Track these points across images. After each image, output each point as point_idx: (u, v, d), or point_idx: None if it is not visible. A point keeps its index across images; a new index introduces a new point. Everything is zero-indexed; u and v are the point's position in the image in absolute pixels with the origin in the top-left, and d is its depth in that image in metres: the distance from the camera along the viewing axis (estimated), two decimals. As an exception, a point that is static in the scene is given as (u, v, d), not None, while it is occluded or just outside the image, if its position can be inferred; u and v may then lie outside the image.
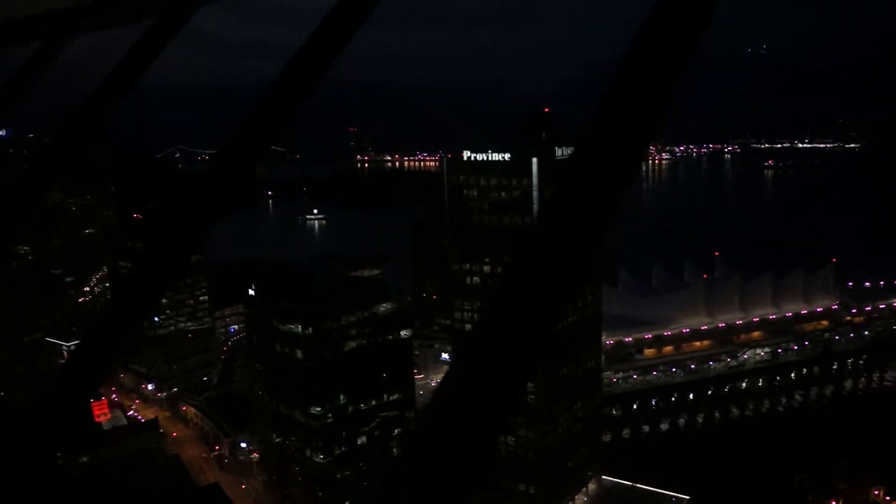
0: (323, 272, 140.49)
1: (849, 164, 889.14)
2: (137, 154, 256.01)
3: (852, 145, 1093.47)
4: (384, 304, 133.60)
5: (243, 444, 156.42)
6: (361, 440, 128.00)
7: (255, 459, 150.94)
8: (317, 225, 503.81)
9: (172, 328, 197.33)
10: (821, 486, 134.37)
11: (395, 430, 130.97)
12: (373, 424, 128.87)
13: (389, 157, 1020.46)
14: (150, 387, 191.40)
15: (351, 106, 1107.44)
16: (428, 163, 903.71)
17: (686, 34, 5.08)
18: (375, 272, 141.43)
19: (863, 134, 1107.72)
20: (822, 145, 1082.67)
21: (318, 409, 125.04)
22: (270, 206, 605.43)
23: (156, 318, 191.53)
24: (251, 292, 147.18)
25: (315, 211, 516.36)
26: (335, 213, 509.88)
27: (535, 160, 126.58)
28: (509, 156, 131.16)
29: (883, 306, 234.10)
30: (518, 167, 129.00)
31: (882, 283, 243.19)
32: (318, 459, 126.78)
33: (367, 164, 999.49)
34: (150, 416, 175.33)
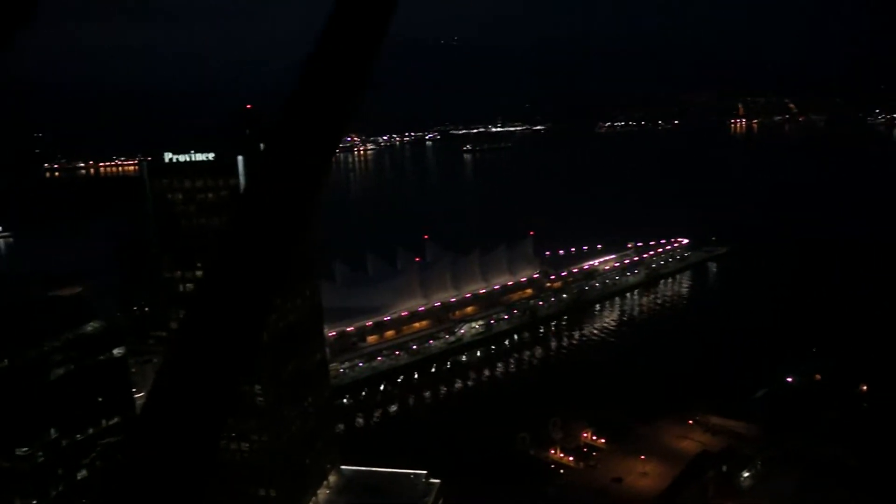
0: (13, 295, 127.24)
1: (536, 145, 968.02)
2: None
3: (539, 127, 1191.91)
4: (91, 324, 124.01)
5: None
6: (82, 474, 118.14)
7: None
8: (2, 243, 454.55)
9: None
10: (540, 440, 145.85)
11: (118, 458, 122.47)
12: (93, 455, 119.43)
13: (83, 164, 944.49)
14: None
15: (36, 110, 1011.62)
16: (127, 167, 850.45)
17: (370, 27, 5.18)
18: (77, 290, 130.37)
19: (547, 117, 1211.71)
20: (513, 129, 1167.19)
21: (26, 449, 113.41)
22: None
23: None
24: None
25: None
26: (23, 228, 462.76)
27: (240, 159, 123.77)
28: (213, 156, 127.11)
29: (576, 270, 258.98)
30: (224, 167, 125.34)
31: (573, 249, 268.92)
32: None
33: (57, 173, 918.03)
34: None
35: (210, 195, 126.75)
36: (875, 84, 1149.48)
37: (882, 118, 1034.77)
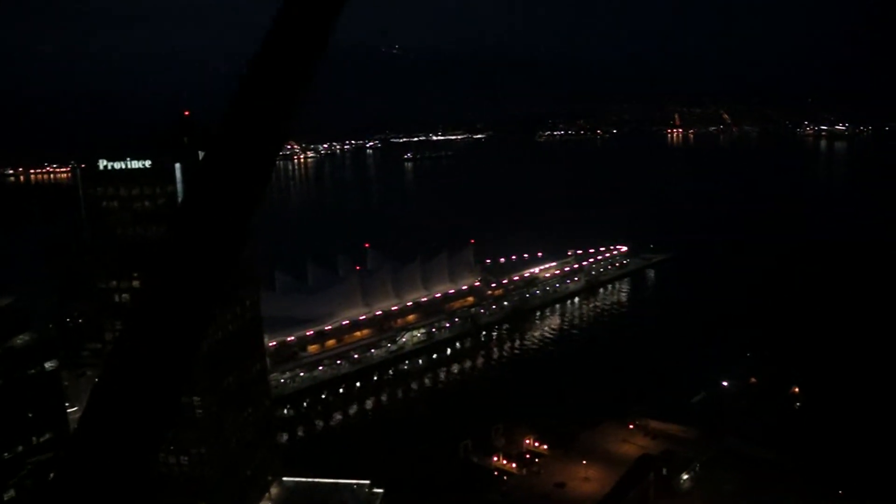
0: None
1: (477, 153, 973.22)
2: None
3: (479, 136, 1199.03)
4: (21, 336, 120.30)
5: None
6: (10, 494, 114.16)
7: None
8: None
9: None
10: (483, 447, 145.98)
11: (51, 475, 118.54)
12: (23, 473, 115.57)
13: (12, 171, 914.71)
14: None
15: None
16: (60, 174, 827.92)
17: (312, 36, 5.11)
18: (7, 301, 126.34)
19: (488, 126, 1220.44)
20: (453, 137, 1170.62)
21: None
22: None
23: None
24: None
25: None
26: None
27: (178, 166, 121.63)
28: (150, 163, 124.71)
29: (517, 278, 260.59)
30: (161, 174, 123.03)
31: (514, 257, 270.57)
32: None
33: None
34: None
35: (146, 203, 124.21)
36: (804, 98, 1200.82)
37: (810, 129, 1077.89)
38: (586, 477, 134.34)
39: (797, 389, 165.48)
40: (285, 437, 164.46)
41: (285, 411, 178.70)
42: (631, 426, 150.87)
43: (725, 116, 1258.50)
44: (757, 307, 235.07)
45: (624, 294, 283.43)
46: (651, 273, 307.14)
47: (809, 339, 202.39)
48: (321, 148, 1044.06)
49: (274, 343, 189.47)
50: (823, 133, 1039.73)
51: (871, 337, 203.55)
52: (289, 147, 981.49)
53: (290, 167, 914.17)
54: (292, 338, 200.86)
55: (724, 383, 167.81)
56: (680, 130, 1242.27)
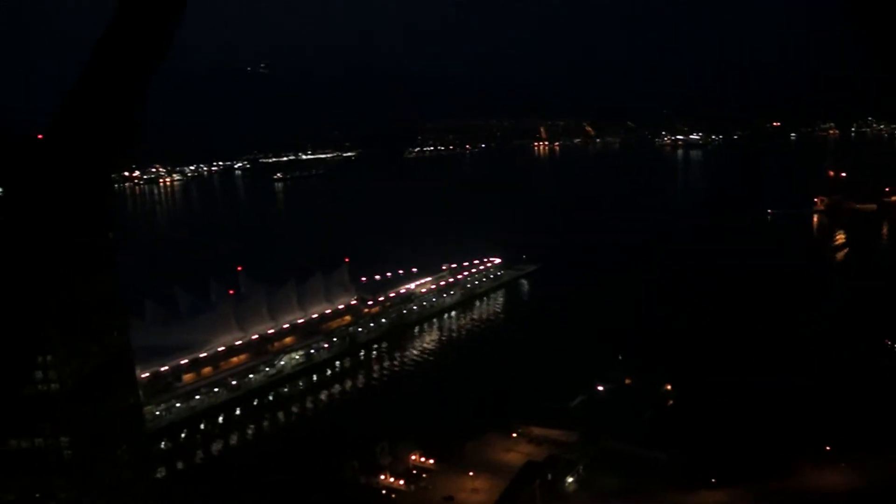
0: None
1: (348, 171, 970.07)
2: None
3: (349, 154, 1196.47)
4: None
5: None
6: None
7: None
8: None
9: None
10: (369, 466, 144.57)
11: None
12: None
13: None
14: None
15: None
16: None
17: (142, 59, 4.87)
18: None
19: (357, 144, 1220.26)
20: (323, 156, 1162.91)
21: None
22: None
23: None
24: None
25: None
26: None
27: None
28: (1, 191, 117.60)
29: (393, 294, 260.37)
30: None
31: (389, 274, 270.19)
32: None
33: None
34: None
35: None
36: (659, 110, 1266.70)
37: (667, 140, 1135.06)
38: (474, 488, 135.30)
39: (669, 387, 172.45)
40: (163, 472, 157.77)
41: (162, 445, 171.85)
42: (514, 434, 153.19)
43: (588, 129, 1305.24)
44: (625, 310, 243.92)
45: (499, 305, 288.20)
46: (524, 283, 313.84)
47: (677, 337, 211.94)
48: (188, 170, 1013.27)
49: (147, 374, 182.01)
50: (680, 143, 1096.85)
51: (732, 332, 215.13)
52: (153, 170, 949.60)
53: (156, 191, 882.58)
54: (166, 367, 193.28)
55: (600, 387, 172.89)
56: (546, 143, 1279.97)
